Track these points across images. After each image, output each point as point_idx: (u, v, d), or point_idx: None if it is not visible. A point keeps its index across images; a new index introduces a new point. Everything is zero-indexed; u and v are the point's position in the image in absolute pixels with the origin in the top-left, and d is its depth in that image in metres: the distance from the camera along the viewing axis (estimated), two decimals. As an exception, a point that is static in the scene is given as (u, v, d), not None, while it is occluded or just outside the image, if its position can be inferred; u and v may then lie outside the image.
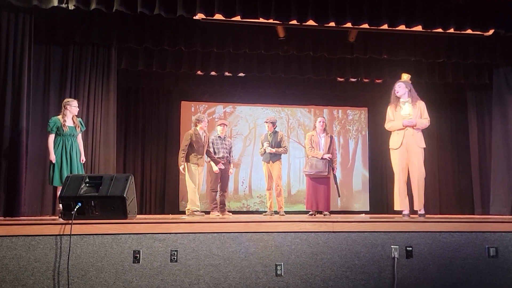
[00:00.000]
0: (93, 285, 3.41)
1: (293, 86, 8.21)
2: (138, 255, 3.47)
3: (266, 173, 6.47)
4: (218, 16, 5.48)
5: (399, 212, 5.04)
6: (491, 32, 6.08)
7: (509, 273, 3.75)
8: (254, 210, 8.59)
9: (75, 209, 3.57)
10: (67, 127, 5.08)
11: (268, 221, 3.79)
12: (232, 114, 8.99)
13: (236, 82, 8.10)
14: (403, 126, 4.91)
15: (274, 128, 6.52)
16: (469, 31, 6.01)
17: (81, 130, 5.26)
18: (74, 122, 5.17)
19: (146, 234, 3.52)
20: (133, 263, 3.46)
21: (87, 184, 3.81)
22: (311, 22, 5.65)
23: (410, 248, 3.71)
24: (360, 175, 9.11)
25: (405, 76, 5.14)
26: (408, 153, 4.93)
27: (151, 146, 8.41)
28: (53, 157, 4.99)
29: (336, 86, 8.37)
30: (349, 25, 5.77)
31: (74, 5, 5.22)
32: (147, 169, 8.35)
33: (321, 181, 5.93)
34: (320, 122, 6.16)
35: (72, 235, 3.42)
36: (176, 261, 3.50)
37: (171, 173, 8.41)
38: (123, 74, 7.27)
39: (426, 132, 5.10)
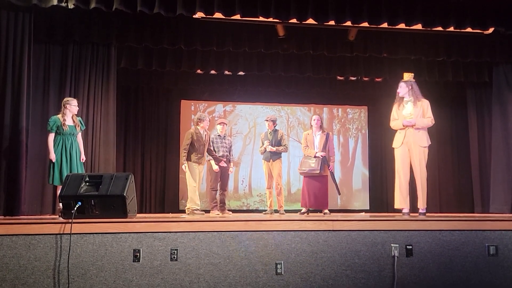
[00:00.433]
0: (93, 284, 3.41)
1: (293, 84, 8.20)
2: (138, 254, 3.48)
3: (266, 171, 6.45)
4: (217, 15, 5.49)
5: (399, 211, 5.04)
6: (491, 30, 6.09)
7: (509, 271, 3.75)
8: (254, 209, 8.59)
9: (75, 208, 3.57)
10: (67, 126, 5.08)
11: (268, 220, 3.80)
12: (232, 112, 8.99)
13: (236, 81, 8.10)
14: (403, 126, 4.93)
15: (274, 127, 6.51)
16: (469, 30, 6.02)
17: (81, 129, 5.26)
18: (74, 121, 5.17)
19: (146, 233, 3.52)
20: (133, 262, 3.46)
21: (87, 183, 3.81)
22: (310, 21, 5.65)
23: (410, 247, 3.71)
24: (360, 173, 9.11)
25: (406, 76, 5.13)
26: (410, 152, 4.93)
27: (151, 145, 8.40)
28: (53, 156, 4.99)
29: (336, 85, 8.37)
30: (349, 23, 5.79)
31: (73, 4, 5.22)
32: (147, 168, 8.34)
33: (316, 179, 5.89)
34: (315, 120, 6.07)
35: (72, 234, 3.42)
36: (176, 260, 3.50)
37: (171, 172, 8.42)
38: (123, 73, 7.26)
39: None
